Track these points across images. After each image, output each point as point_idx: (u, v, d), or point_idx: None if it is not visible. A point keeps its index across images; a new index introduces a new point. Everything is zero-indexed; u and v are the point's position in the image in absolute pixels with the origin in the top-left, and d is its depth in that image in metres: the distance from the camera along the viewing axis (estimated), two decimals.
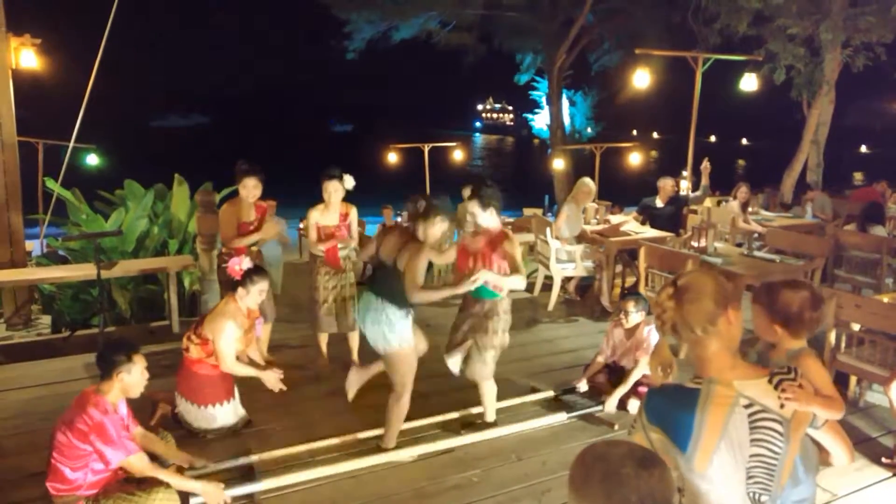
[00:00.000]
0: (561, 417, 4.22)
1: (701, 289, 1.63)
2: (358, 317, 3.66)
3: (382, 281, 3.54)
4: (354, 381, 4.18)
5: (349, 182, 4.68)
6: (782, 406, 1.59)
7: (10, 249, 6.59)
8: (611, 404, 4.26)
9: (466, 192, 3.79)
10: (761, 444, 1.57)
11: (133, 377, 3.01)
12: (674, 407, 1.63)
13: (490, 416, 4.10)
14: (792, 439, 1.60)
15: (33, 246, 9.72)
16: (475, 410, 4.22)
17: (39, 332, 6.76)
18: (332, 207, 4.68)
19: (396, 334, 3.47)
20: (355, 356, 4.96)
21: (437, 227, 3.48)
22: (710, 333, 1.62)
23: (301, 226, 13.00)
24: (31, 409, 4.34)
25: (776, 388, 1.61)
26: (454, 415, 4.21)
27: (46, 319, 7.11)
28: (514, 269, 3.66)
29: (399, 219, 13.77)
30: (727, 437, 1.56)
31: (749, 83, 11.19)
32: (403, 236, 3.54)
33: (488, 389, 3.99)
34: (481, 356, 3.81)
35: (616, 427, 4.11)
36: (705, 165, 7.89)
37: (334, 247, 4.65)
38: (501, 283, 3.66)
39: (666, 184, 7.57)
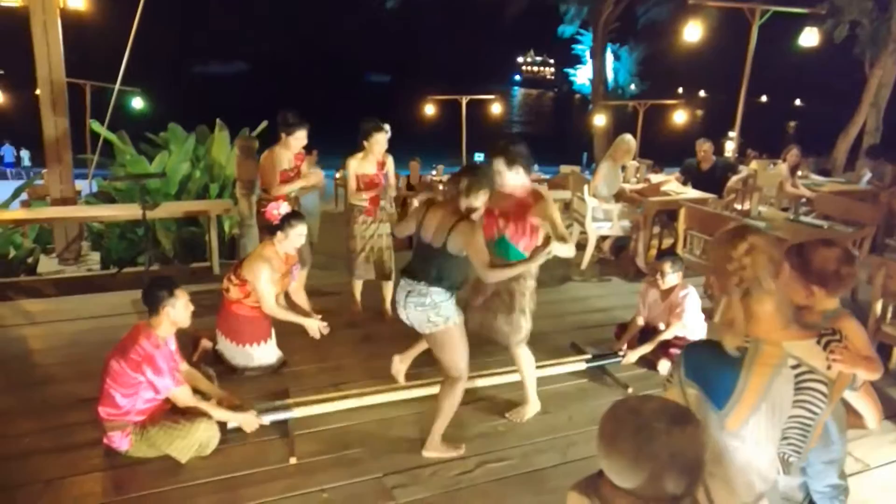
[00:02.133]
0: (580, 366, 4.29)
1: (766, 242, 1.62)
2: (398, 303, 3.34)
3: (426, 262, 3.22)
4: (401, 369, 3.94)
5: (388, 130, 4.73)
6: (829, 367, 1.58)
7: (61, 187, 6.81)
8: (630, 357, 4.31)
9: (498, 163, 3.60)
10: (803, 405, 1.57)
11: (178, 311, 3.17)
12: (715, 364, 1.62)
13: (531, 394, 3.77)
14: (831, 400, 1.59)
15: (82, 186, 10.02)
16: (502, 368, 4.22)
17: (89, 268, 7.03)
18: (372, 157, 4.72)
19: (442, 315, 3.21)
20: (387, 304, 5.05)
21: (480, 201, 3.24)
22: (772, 288, 1.60)
23: (337, 175, 13.09)
24: (81, 339, 4.56)
25: (825, 349, 1.59)
26: (484, 371, 4.26)
27: (95, 256, 7.39)
28: (561, 236, 3.38)
29: (434, 173, 13.72)
30: (769, 397, 1.55)
31: (809, 38, 10.53)
32: (448, 215, 3.19)
33: (524, 358, 3.68)
34: (510, 318, 3.58)
35: (630, 390, 4.08)
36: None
37: (377, 196, 4.70)
38: (562, 254, 3.38)
39: (700, 147, 7.39)
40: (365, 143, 4.69)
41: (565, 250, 3.34)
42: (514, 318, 3.57)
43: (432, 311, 3.18)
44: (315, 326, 4.13)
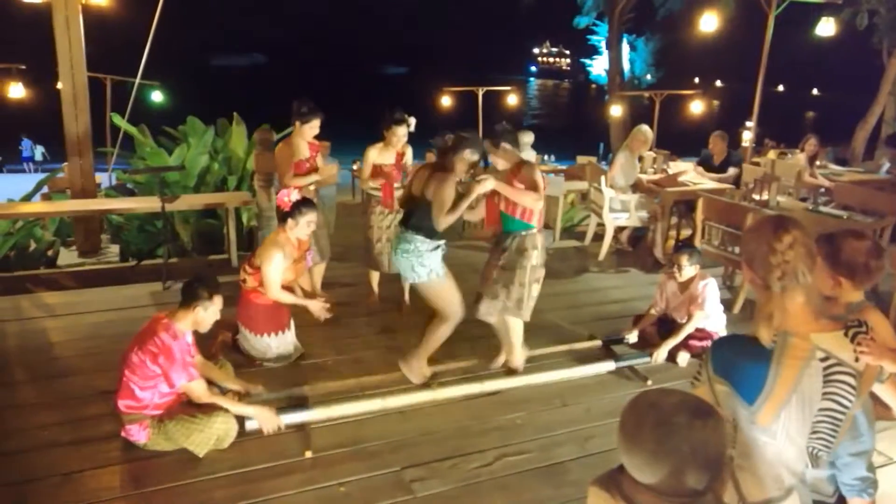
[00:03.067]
0: (609, 366, 4.20)
1: (805, 234, 1.58)
2: (392, 247, 3.73)
3: (413, 214, 3.60)
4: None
5: (412, 123, 4.76)
6: (857, 359, 1.56)
7: (82, 180, 6.88)
8: (660, 355, 4.23)
9: (522, 136, 3.79)
10: (832, 398, 1.54)
11: (207, 314, 3.19)
12: (744, 358, 1.59)
13: (518, 361, 4.02)
14: (861, 393, 1.57)
15: (101, 178, 10.11)
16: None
17: (108, 261, 7.09)
18: (391, 148, 4.76)
19: (426, 266, 3.54)
20: (406, 295, 5.05)
21: (465, 161, 3.54)
22: (808, 282, 1.57)
23: (354, 167, 13.10)
24: (100, 331, 4.60)
25: (852, 341, 1.57)
26: (501, 358, 4.25)
27: (115, 249, 7.45)
28: (532, 188, 3.61)
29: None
30: (799, 390, 1.53)
31: (826, 28, 10.45)
32: (429, 169, 3.61)
33: (513, 326, 3.89)
34: (509, 291, 3.77)
35: (649, 382, 4.05)
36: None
37: (390, 186, 4.70)
38: (513, 195, 3.62)
39: (712, 141, 7.39)
40: (385, 133, 4.73)
41: (525, 198, 3.61)
42: (513, 289, 3.77)
43: (416, 259, 3.52)
44: (318, 308, 4.15)
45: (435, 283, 3.60)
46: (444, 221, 3.46)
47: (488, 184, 3.56)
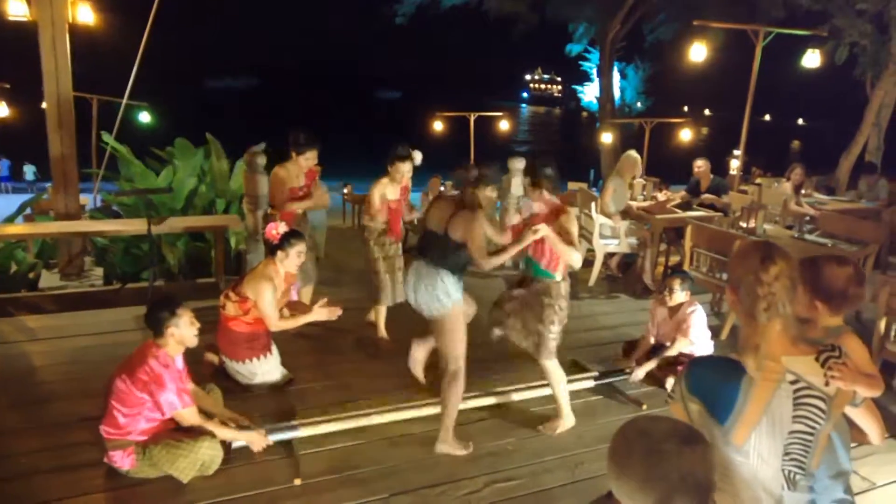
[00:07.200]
0: (588, 384, 4.21)
1: (790, 264, 1.60)
2: (407, 286, 3.56)
3: (433, 249, 3.49)
4: (419, 360, 3.97)
5: (418, 159, 4.72)
6: (827, 384, 1.58)
7: (66, 202, 6.79)
8: (637, 374, 4.26)
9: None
10: (802, 421, 1.57)
11: (182, 329, 3.12)
12: (718, 378, 1.62)
13: (564, 408, 3.74)
14: (832, 416, 1.59)
15: (87, 200, 10.03)
16: (511, 386, 4.19)
17: (92, 284, 7.00)
18: (396, 183, 4.71)
19: (452, 297, 3.43)
20: (382, 327, 4.96)
21: (486, 198, 3.49)
22: (789, 312, 1.59)
23: (345, 191, 13.13)
24: (83, 356, 4.52)
25: (823, 366, 1.59)
26: (493, 388, 4.21)
27: (99, 271, 7.35)
28: (570, 242, 3.54)
29: (443, 188, 13.73)
30: (770, 412, 1.56)
31: (811, 60, 10.76)
32: (450, 205, 3.50)
33: (552, 373, 3.68)
34: (537, 330, 3.64)
35: (644, 407, 4.05)
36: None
37: (398, 219, 4.72)
38: (560, 249, 3.50)
39: (695, 164, 7.47)
40: (389, 169, 4.67)
41: (569, 253, 3.47)
42: (541, 329, 3.62)
43: (442, 292, 3.38)
44: (323, 313, 4.02)
45: (454, 313, 3.44)
46: (489, 264, 3.40)
47: (542, 231, 3.44)
